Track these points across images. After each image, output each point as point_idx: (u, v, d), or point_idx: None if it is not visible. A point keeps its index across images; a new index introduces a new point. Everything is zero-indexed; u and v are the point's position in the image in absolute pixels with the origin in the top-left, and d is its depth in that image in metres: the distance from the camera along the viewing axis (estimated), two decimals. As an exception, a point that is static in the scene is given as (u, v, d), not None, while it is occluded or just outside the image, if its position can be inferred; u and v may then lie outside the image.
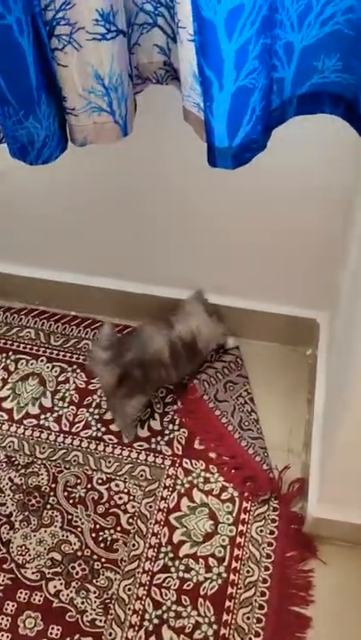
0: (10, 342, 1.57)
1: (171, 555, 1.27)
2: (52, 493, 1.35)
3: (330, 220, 1.21)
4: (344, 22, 0.79)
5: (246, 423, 1.41)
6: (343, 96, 0.87)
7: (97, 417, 1.45)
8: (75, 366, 1.53)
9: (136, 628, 1.20)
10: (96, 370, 1.34)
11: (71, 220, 1.37)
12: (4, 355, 1.55)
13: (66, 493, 1.35)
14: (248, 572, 1.24)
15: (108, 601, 1.23)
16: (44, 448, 1.41)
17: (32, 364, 1.54)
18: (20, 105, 0.78)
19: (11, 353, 1.55)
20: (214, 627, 1.19)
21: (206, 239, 1.34)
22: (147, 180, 1.21)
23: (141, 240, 1.39)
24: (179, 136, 0.95)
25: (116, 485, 1.36)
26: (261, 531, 1.29)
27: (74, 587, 1.24)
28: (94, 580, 1.25)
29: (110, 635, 1.19)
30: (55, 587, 1.25)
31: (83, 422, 1.44)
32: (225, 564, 1.25)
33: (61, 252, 1.49)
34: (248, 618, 1.19)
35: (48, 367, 1.53)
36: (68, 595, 1.24)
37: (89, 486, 1.36)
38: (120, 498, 1.34)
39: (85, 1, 0.72)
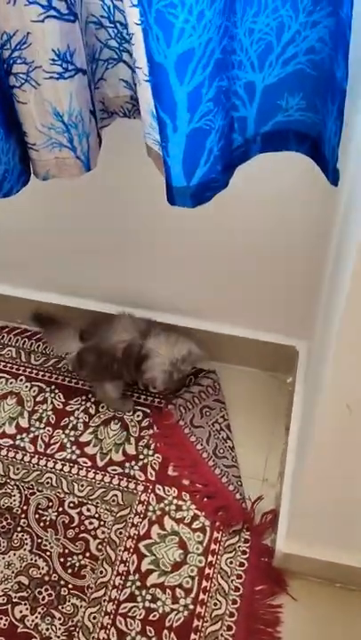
0: (-10, 360, 1.57)
1: (138, 583, 1.26)
2: (23, 515, 1.34)
3: (309, 249, 1.20)
4: (306, 62, 0.78)
5: (221, 450, 1.40)
6: (308, 134, 0.86)
7: (72, 439, 1.44)
8: (53, 386, 1.52)
9: (99, 658, 1.19)
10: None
11: (52, 240, 1.37)
12: (-16, 372, 1.55)
13: (37, 516, 1.34)
14: (215, 604, 1.23)
15: (72, 628, 1.22)
16: (18, 469, 1.41)
17: (11, 383, 1.53)
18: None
19: (-10, 371, 1.55)
20: (177, 660, 1.18)
21: (187, 265, 1.34)
22: (119, 208, 1.21)
23: (122, 264, 1.39)
24: (149, 168, 0.94)
25: (88, 510, 1.35)
26: (231, 562, 1.27)
27: (39, 612, 1.23)
28: (60, 607, 1.24)
29: (73, 664, 1.18)
30: (21, 611, 1.24)
31: (58, 444, 1.44)
32: (192, 595, 1.24)
33: (44, 272, 1.48)
34: (212, 652, 1.18)
35: (27, 387, 1.53)
36: (33, 620, 1.23)
37: (60, 509, 1.35)
38: (90, 523, 1.33)
39: (41, 40, 0.71)
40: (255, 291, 1.35)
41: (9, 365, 1.56)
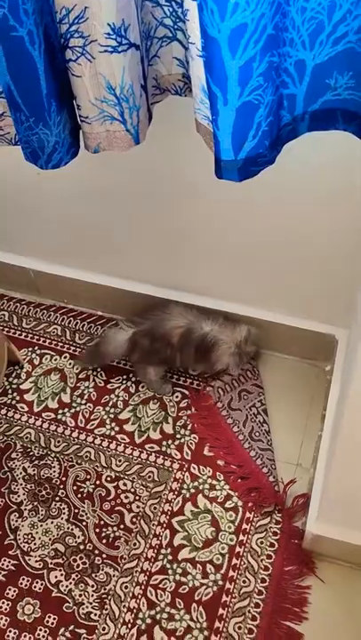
0: (37, 337, 1.62)
1: (170, 557, 1.29)
2: (61, 486, 1.39)
3: (352, 235, 1.21)
4: (356, 41, 0.79)
5: (257, 434, 1.42)
6: (356, 113, 0.87)
7: (112, 416, 1.48)
8: (96, 365, 1.56)
9: (129, 626, 1.22)
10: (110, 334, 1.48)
11: (99, 223, 1.41)
12: (31, 348, 1.60)
13: (75, 487, 1.39)
14: (244, 582, 1.25)
15: (104, 596, 1.25)
16: (58, 442, 1.45)
17: (56, 360, 1.58)
18: (31, 112, 0.81)
19: (37, 347, 1.60)
20: (205, 633, 1.20)
21: (229, 250, 1.36)
22: (165, 189, 1.23)
23: (166, 248, 1.41)
24: (198, 146, 0.97)
25: (124, 484, 1.38)
26: (262, 542, 1.29)
27: (73, 579, 1.28)
28: (93, 575, 1.28)
29: (104, 629, 1.22)
30: (56, 577, 1.28)
31: (98, 420, 1.48)
32: (222, 571, 1.26)
33: (92, 254, 1.52)
34: (240, 627, 1.20)
35: (70, 364, 1.57)
36: (67, 586, 1.27)
37: (97, 483, 1.39)
38: (126, 497, 1.37)
39: (98, 15, 0.75)
40: (296, 278, 1.36)
41: (54, 343, 1.61)
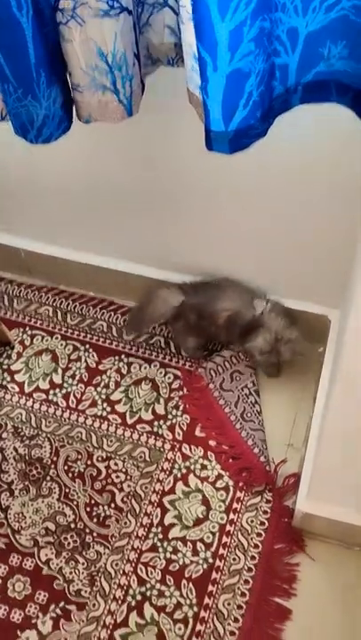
0: (28, 318, 1.61)
1: (160, 536, 1.29)
2: (52, 466, 1.39)
3: (347, 214, 1.20)
4: (350, 8, 0.78)
5: (249, 414, 1.42)
6: (350, 86, 0.87)
7: (104, 397, 1.48)
8: (87, 346, 1.56)
9: (119, 602, 1.22)
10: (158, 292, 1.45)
11: (93, 202, 1.40)
12: (22, 329, 1.59)
13: (66, 467, 1.38)
14: (234, 559, 1.25)
15: (95, 573, 1.25)
16: (49, 422, 1.45)
17: (47, 341, 1.58)
18: (19, 83, 0.80)
19: (28, 328, 1.59)
20: (195, 609, 1.20)
21: (220, 228, 1.35)
22: (159, 164, 1.23)
23: (161, 227, 1.40)
24: (190, 118, 0.96)
25: (115, 464, 1.38)
26: (252, 521, 1.29)
27: (64, 557, 1.28)
28: (84, 553, 1.28)
29: (94, 606, 1.22)
30: (46, 555, 1.28)
31: (89, 400, 1.47)
32: (212, 549, 1.26)
33: (83, 235, 1.52)
34: (229, 603, 1.20)
35: (62, 345, 1.57)
36: (57, 564, 1.27)
37: (89, 462, 1.39)
38: (117, 476, 1.37)
39: (88, -24, 0.74)
40: (291, 258, 1.36)
41: (45, 324, 1.60)
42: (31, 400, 1.48)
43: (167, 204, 1.33)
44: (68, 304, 1.63)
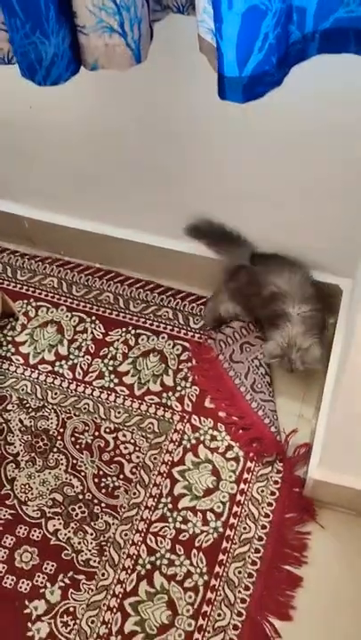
0: (32, 289, 1.59)
1: (170, 506, 1.27)
2: (59, 437, 1.37)
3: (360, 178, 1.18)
4: None
5: (259, 385, 1.39)
6: (371, 35, 0.84)
7: (111, 368, 1.46)
8: (94, 317, 1.53)
9: (129, 572, 1.21)
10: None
11: (98, 165, 1.37)
12: (26, 301, 1.57)
13: (73, 439, 1.36)
14: (245, 528, 1.23)
15: (103, 543, 1.24)
16: (55, 394, 1.43)
17: (52, 312, 1.55)
18: (27, 17, 0.77)
19: (32, 300, 1.57)
20: (205, 577, 1.19)
21: (233, 191, 1.32)
22: (166, 122, 1.19)
23: (167, 193, 1.37)
24: (200, 68, 0.93)
25: (123, 435, 1.36)
26: (263, 491, 1.27)
27: (72, 527, 1.26)
28: (92, 523, 1.26)
29: (103, 575, 1.21)
30: (54, 525, 1.27)
31: (96, 372, 1.45)
32: (223, 519, 1.25)
33: (90, 202, 1.49)
34: (240, 572, 1.19)
35: (67, 316, 1.54)
36: (65, 534, 1.25)
37: (96, 434, 1.37)
38: (126, 448, 1.35)
39: None
40: (301, 225, 1.34)
41: (50, 295, 1.58)
42: (36, 372, 1.46)
43: (176, 166, 1.29)
44: (74, 275, 1.61)
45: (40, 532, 1.26)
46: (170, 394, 1.41)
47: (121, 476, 1.31)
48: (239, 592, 1.17)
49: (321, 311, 1.35)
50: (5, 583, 1.21)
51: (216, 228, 1.39)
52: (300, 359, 1.30)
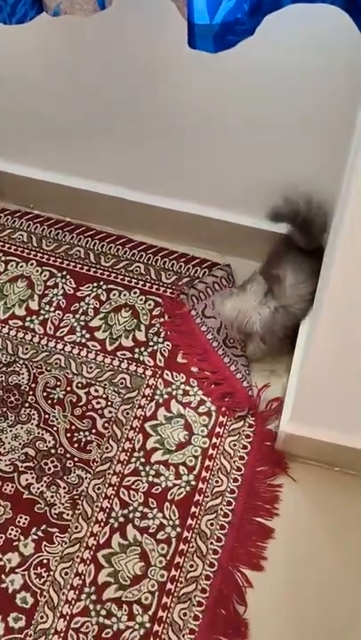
0: (1, 243, 1.55)
1: (142, 460, 1.28)
2: (31, 392, 1.36)
3: (333, 132, 1.15)
4: None
5: (231, 341, 1.40)
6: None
7: (82, 323, 1.44)
8: (64, 272, 1.51)
9: (102, 525, 1.22)
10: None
11: (67, 116, 1.32)
12: (-5, 255, 1.54)
13: (45, 394, 1.36)
14: (217, 482, 1.25)
15: (76, 497, 1.25)
16: (26, 349, 1.42)
17: (22, 267, 1.52)
18: None
19: (1, 254, 1.54)
20: (178, 529, 1.21)
21: (207, 145, 1.29)
22: (137, 69, 1.15)
23: (141, 143, 1.33)
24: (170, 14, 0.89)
25: (96, 390, 1.36)
26: (235, 445, 1.29)
27: (45, 481, 1.27)
28: (65, 477, 1.27)
29: (76, 528, 1.22)
30: (27, 480, 1.27)
31: (68, 327, 1.44)
32: (195, 472, 1.26)
33: (60, 155, 1.44)
34: (212, 524, 1.21)
35: (37, 271, 1.52)
36: (38, 488, 1.26)
37: (68, 389, 1.36)
38: (98, 402, 1.35)
39: None
40: (270, 177, 1.31)
41: (20, 249, 1.54)
42: (7, 327, 1.44)
43: (146, 119, 1.26)
44: (44, 229, 1.57)
45: (13, 487, 1.26)
46: (142, 349, 1.41)
47: (93, 431, 1.32)
48: (211, 543, 1.20)
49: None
50: (-22, 537, 1.22)
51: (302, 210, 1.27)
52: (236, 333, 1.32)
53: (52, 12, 0.83)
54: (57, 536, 1.21)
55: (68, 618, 1.16)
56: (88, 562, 1.19)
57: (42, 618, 1.16)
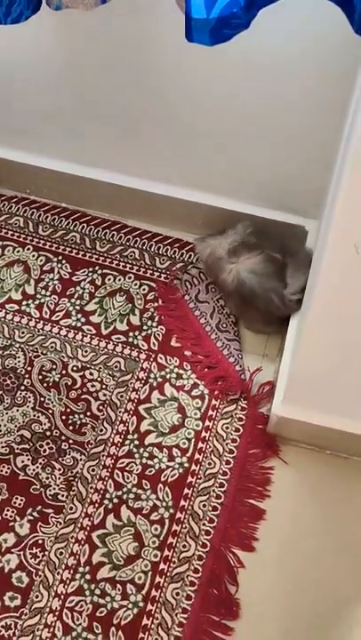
0: (-2, 228, 1.56)
1: (136, 442, 1.30)
2: (27, 376, 1.38)
3: (325, 117, 1.17)
4: None
5: (224, 325, 1.41)
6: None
7: (78, 308, 1.46)
8: (60, 257, 1.52)
9: (96, 505, 1.24)
10: None
11: (63, 102, 1.33)
12: (-8, 240, 1.55)
13: (40, 377, 1.38)
14: (210, 464, 1.27)
15: (71, 478, 1.27)
16: (23, 333, 1.43)
17: (18, 252, 1.53)
18: None
19: (-2, 239, 1.55)
20: (171, 510, 1.23)
21: (199, 133, 1.30)
22: (135, 59, 1.16)
23: (137, 131, 1.34)
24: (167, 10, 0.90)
25: (90, 374, 1.38)
26: (227, 428, 1.31)
27: (40, 463, 1.29)
28: (60, 459, 1.29)
29: (71, 509, 1.24)
30: (23, 461, 1.29)
31: (63, 311, 1.45)
32: (188, 454, 1.28)
33: (57, 141, 1.45)
34: (205, 505, 1.24)
35: (34, 256, 1.53)
36: (34, 470, 1.28)
37: (63, 372, 1.38)
38: (93, 386, 1.37)
39: None
40: (267, 165, 1.33)
41: (16, 234, 1.55)
42: (3, 311, 1.46)
43: (144, 106, 1.27)
44: (40, 215, 1.58)
45: (9, 468, 1.28)
46: (136, 333, 1.43)
47: (88, 414, 1.34)
48: (204, 524, 1.22)
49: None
50: (-25, 517, 1.24)
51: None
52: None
53: (54, 7, 0.84)
54: (52, 517, 1.23)
55: (62, 597, 1.18)
56: (83, 542, 1.22)
57: (37, 597, 1.18)
